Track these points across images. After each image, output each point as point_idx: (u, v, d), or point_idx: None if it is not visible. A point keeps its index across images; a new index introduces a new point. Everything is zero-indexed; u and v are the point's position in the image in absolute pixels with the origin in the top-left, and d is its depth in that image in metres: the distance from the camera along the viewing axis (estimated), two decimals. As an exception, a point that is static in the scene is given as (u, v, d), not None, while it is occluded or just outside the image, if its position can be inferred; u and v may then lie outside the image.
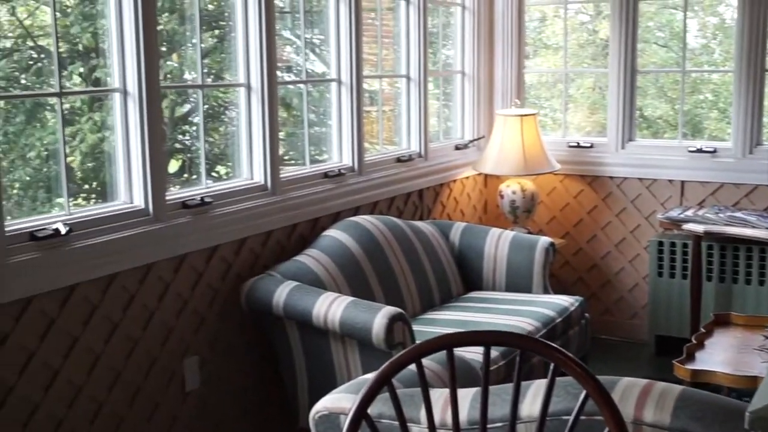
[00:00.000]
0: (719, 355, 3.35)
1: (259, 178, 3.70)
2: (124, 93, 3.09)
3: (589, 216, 5.23)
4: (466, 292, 4.28)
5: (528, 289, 4.24)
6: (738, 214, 4.51)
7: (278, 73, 3.83)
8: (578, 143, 5.19)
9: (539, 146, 4.88)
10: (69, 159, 3.18)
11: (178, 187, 3.58)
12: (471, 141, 5.17)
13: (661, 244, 4.80)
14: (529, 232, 4.99)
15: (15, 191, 3.12)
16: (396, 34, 4.76)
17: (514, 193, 4.94)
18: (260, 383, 3.58)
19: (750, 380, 3.02)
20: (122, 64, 3.07)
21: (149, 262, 3.06)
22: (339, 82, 4.19)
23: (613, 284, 5.21)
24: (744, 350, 3.34)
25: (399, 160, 4.59)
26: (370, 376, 1.79)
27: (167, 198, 3.21)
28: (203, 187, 3.49)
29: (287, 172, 3.93)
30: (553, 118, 5.72)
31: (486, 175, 5.27)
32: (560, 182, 5.28)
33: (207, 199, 3.38)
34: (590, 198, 5.20)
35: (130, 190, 3.12)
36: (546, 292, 4.24)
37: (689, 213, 4.65)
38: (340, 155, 4.25)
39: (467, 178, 5.18)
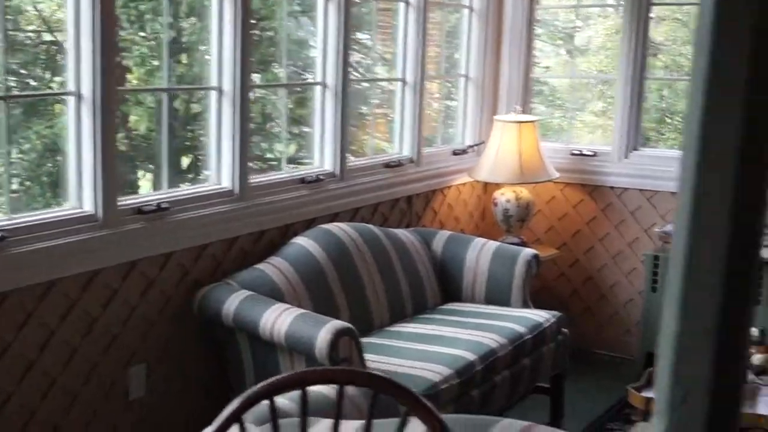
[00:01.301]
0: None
1: (227, 183, 3.66)
2: (78, 97, 3.08)
3: (587, 227, 5.08)
4: (443, 303, 4.19)
5: (506, 302, 4.13)
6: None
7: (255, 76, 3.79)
8: (581, 151, 5.05)
9: (537, 154, 4.75)
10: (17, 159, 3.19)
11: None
12: (470, 146, 5.07)
13: (657, 258, 4.63)
14: (522, 242, 4.87)
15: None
16: (394, 36, 4.68)
17: (507, 201, 4.82)
18: (209, 394, 3.55)
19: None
20: (77, 68, 3.06)
21: (94, 268, 3.04)
22: (324, 85, 4.13)
23: (608, 298, 5.05)
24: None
25: (387, 165, 4.51)
26: (224, 412, 1.74)
27: (120, 204, 3.19)
28: (162, 193, 3.47)
29: (260, 177, 3.89)
30: (585, 121, 5.56)
31: (486, 182, 5.15)
32: (560, 191, 5.13)
33: (164, 205, 3.35)
34: (590, 208, 5.05)
35: (80, 195, 3.11)
36: (525, 305, 4.12)
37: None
38: (321, 160, 4.19)
39: (464, 184, 5.07)
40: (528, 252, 4.17)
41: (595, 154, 5.01)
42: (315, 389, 1.93)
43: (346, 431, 1.67)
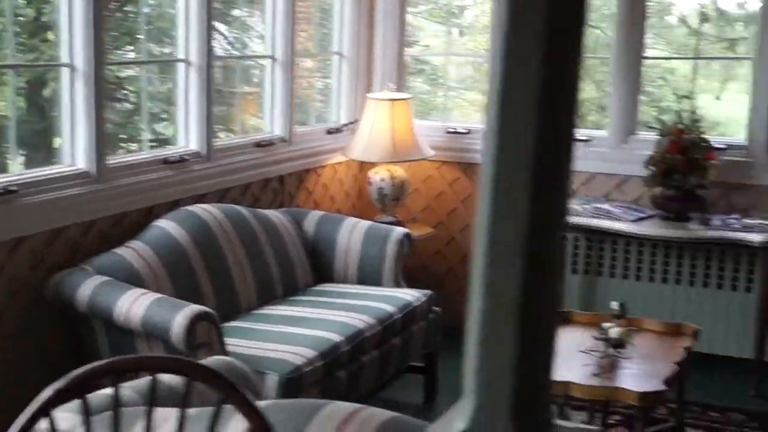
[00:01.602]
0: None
1: (82, 164, 3.49)
2: None
3: (462, 205, 5.09)
4: (316, 284, 4.13)
5: (378, 282, 4.10)
6: (604, 206, 4.41)
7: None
8: (456, 129, 5.04)
9: (410, 132, 4.72)
10: None
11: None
12: (344, 125, 5.00)
13: (530, 235, 4.67)
14: (398, 221, 4.84)
15: None
16: (264, 12, 4.56)
17: (382, 180, 4.78)
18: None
19: (563, 386, 2.91)
20: None
21: (-70, 256, 2.85)
22: (187, 62, 3.99)
23: (487, 274, 5.08)
24: (571, 352, 3.22)
25: (258, 145, 4.40)
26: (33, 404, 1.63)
27: (-40, 187, 3.00)
28: (11, 175, 3.28)
29: (119, 158, 3.73)
30: (471, 100, 5.55)
31: (361, 162, 5.10)
32: (437, 169, 5.13)
33: (12, 188, 3.17)
34: (465, 186, 5.07)
35: None
36: (397, 285, 4.10)
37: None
38: (186, 140, 4.05)
39: (340, 163, 5.00)
40: (399, 231, 4.15)
41: (469, 132, 5.02)
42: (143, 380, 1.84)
43: (163, 419, 1.59)
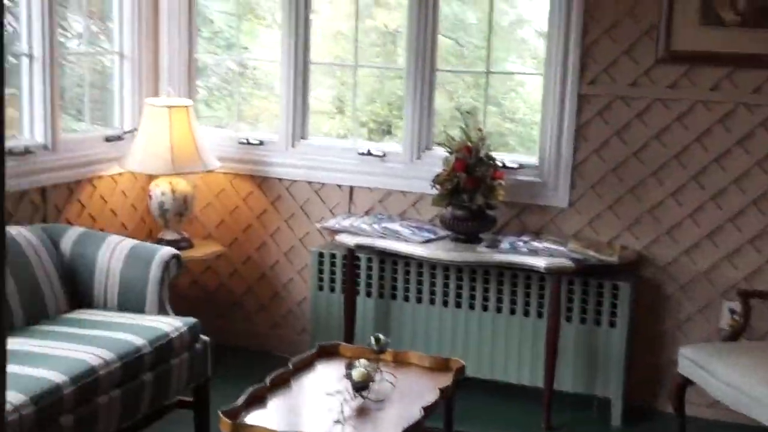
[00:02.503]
0: (291, 401, 2.91)
1: None
2: None
3: (258, 221, 4.75)
4: (70, 310, 3.69)
5: (141, 309, 3.69)
6: (392, 226, 4.15)
7: None
8: (248, 140, 4.69)
9: (191, 142, 4.33)
10: None
11: None
12: (125, 132, 4.57)
13: (321, 255, 4.38)
14: (183, 239, 4.46)
15: None
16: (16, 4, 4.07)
17: (163, 194, 4.38)
18: None
19: (298, 436, 2.59)
20: None
21: None
22: None
23: (282, 296, 4.76)
24: (320, 395, 2.92)
25: (11, 153, 3.92)
26: None
27: None
28: None
29: None
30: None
31: (145, 173, 4.68)
32: (230, 183, 4.77)
33: None
34: (260, 201, 4.72)
35: None
36: (162, 312, 3.70)
37: (349, 222, 4.25)
38: None
39: (121, 174, 4.57)
40: (166, 252, 3.76)
41: (261, 143, 4.68)
42: None
43: None
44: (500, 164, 4.09)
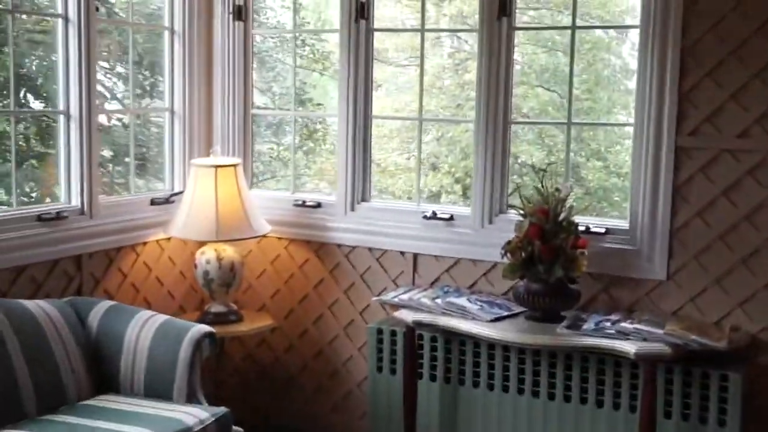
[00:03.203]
0: None
1: None
2: None
3: (315, 291, 4.29)
4: (94, 396, 3.31)
5: (169, 395, 3.28)
6: (458, 300, 3.62)
7: None
8: (304, 202, 4.27)
9: (239, 205, 3.94)
10: None
11: None
12: (172, 195, 4.21)
13: (380, 331, 3.88)
14: (231, 311, 4.05)
15: None
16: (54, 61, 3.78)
17: (208, 262, 3.99)
18: None
19: None
20: None
21: None
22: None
23: (341, 375, 4.27)
24: None
25: (40, 218, 3.61)
26: None
27: None
28: None
29: None
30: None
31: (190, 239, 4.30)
32: (285, 249, 4.34)
33: None
34: (317, 269, 4.27)
35: None
36: (192, 399, 3.28)
37: (409, 295, 3.75)
38: (-66, 212, 3.27)
39: (169, 239, 4.21)
40: (198, 330, 3.34)
41: (319, 205, 4.25)
42: None
43: None
44: (584, 229, 3.53)
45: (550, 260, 3.33)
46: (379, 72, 4.85)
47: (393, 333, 3.84)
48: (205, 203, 3.89)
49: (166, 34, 4.24)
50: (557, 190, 3.36)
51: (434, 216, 3.95)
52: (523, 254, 3.36)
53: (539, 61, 7.25)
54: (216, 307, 4.04)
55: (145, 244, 4.11)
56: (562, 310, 3.49)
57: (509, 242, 3.44)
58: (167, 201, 4.19)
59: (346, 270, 4.19)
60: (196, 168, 3.95)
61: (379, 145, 6.02)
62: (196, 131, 4.33)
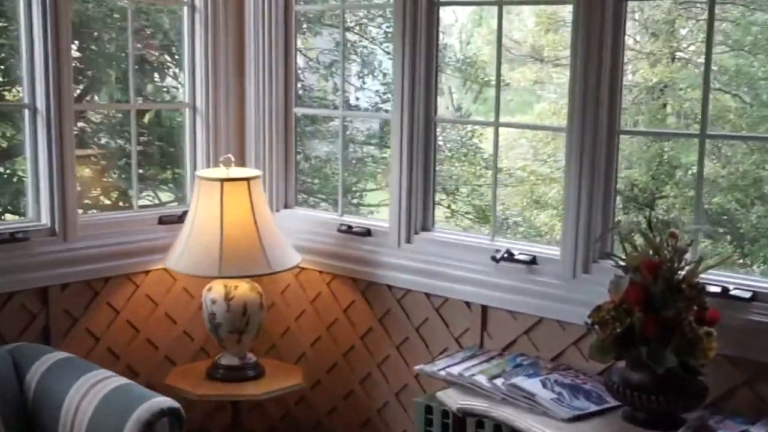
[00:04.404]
0: None
1: None
2: None
3: (362, 342, 3.30)
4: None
5: (107, 491, 2.39)
6: (528, 384, 2.52)
7: None
8: (349, 227, 3.29)
9: (251, 230, 3.00)
10: None
11: None
12: (186, 212, 3.34)
13: (429, 410, 2.83)
14: (247, 365, 3.13)
15: None
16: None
17: (213, 302, 3.09)
18: None
19: None
20: None
21: None
22: None
23: (389, 455, 3.26)
24: None
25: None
26: None
27: None
28: None
29: None
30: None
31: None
32: (327, 285, 3.38)
33: None
34: (364, 315, 3.28)
35: None
36: (135, 500, 2.36)
37: (468, 366, 2.70)
38: None
39: (181, 267, 3.33)
40: (150, 407, 2.42)
41: (368, 233, 3.25)
42: None
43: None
44: (719, 290, 2.36)
45: (658, 340, 2.18)
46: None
47: (445, 414, 2.78)
48: (207, 228, 2.98)
49: (186, 10, 3.36)
50: (671, 235, 2.20)
51: (510, 257, 2.86)
52: (618, 328, 2.22)
53: (720, 61, 6.23)
54: (228, 359, 3.14)
55: (147, 272, 3.26)
56: (679, 410, 2.33)
57: (599, 308, 2.31)
58: (180, 220, 3.31)
59: (399, 319, 3.18)
60: (200, 181, 3.05)
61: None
62: (222, 133, 3.45)
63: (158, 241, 3.26)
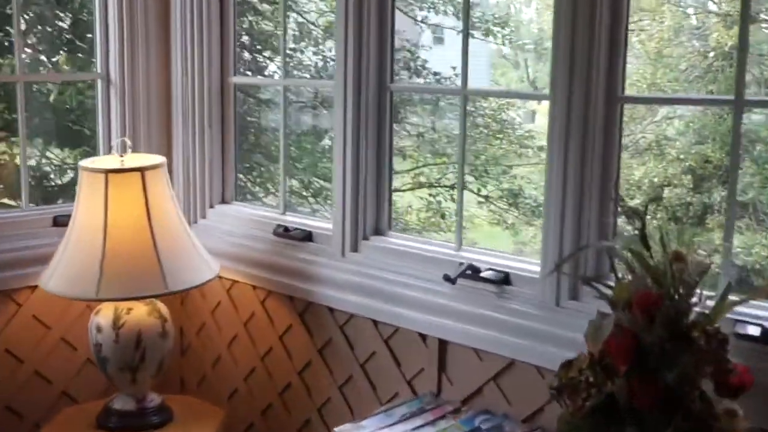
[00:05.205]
0: None
1: None
2: None
3: (300, 379, 2.59)
4: None
5: None
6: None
7: None
8: (286, 228, 2.58)
9: (145, 238, 2.30)
10: None
11: None
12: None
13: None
14: (147, 409, 2.45)
15: None
16: None
17: (99, 330, 2.40)
18: None
19: None
20: None
21: None
22: None
23: None
24: None
25: None
26: None
27: None
28: None
29: None
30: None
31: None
32: (261, 304, 2.67)
33: None
34: (301, 344, 2.57)
35: None
36: None
37: (409, 428, 1.98)
38: None
39: (84, 280, 2.66)
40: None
41: (309, 237, 2.54)
42: None
43: None
44: (757, 334, 1.59)
45: (655, 419, 1.42)
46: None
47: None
48: (86, 235, 2.30)
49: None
50: (676, 257, 1.43)
51: (474, 274, 2.12)
52: (593, 397, 1.47)
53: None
54: (122, 402, 2.46)
55: (34, 288, 2.59)
56: None
57: (569, 364, 1.56)
58: (80, 221, 2.63)
59: (342, 352, 2.46)
60: (82, 173, 2.37)
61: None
62: (142, 110, 2.77)
63: (50, 248, 2.58)
